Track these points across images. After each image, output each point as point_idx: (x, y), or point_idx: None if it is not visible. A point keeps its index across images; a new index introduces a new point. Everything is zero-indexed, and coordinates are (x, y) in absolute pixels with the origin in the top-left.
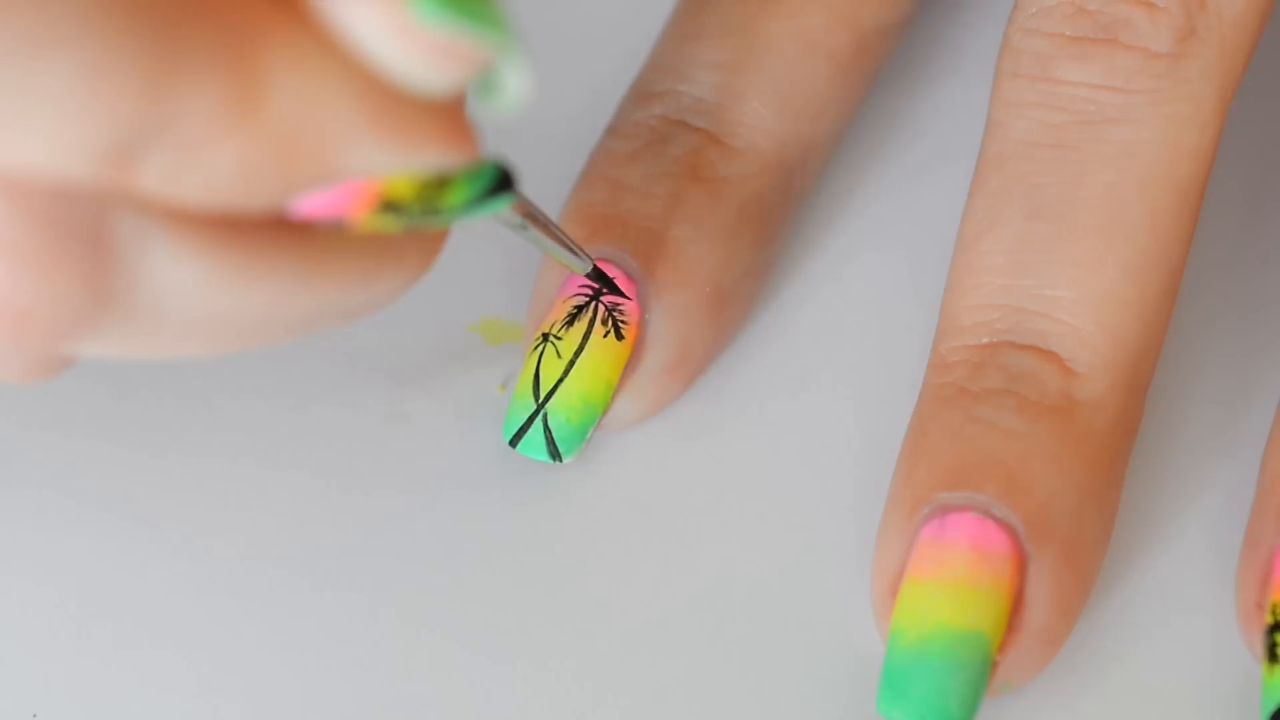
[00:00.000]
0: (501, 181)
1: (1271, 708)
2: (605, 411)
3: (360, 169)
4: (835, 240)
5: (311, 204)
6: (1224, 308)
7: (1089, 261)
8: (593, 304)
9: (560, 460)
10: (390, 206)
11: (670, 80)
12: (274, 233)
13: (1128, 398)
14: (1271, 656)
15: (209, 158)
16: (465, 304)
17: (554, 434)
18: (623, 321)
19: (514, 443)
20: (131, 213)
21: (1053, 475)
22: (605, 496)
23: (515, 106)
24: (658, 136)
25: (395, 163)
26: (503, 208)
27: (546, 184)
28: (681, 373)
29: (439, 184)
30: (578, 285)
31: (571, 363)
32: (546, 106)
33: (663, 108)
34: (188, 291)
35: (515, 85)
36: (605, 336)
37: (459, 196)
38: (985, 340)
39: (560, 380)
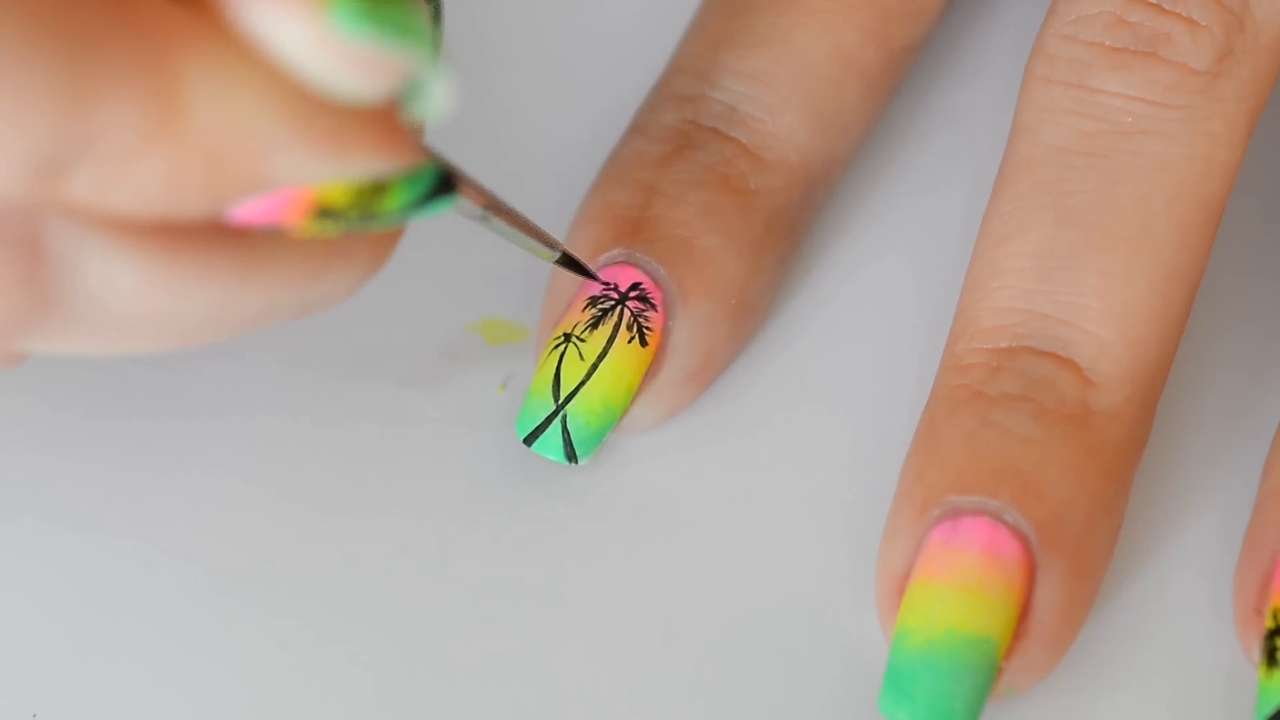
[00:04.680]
0: (443, 184)
1: (1269, 710)
2: (622, 416)
3: (289, 179)
4: (844, 246)
5: (246, 212)
6: (1228, 320)
7: (1116, 272)
8: (618, 309)
9: (575, 462)
10: (326, 213)
11: (702, 85)
12: (214, 235)
13: (1142, 411)
14: (1270, 660)
15: (135, 171)
16: (465, 304)
17: (572, 436)
18: (648, 328)
19: (529, 441)
20: (66, 220)
21: (1067, 484)
22: (609, 497)
23: (440, 115)
24: (689, 142)
25: (325, 171)
26: (445, 209)
27: (550, 178)
28: (700, 381)
29: (375, 189)
30: (599, 287)
31: (595, 366)
32: (548, 102)
33: (694, 112)
34: (127, 294)
35: (439, 94)
36: (630, 342)
37: (397, 201)
38: (1004, 344)
39: (583, 383)
